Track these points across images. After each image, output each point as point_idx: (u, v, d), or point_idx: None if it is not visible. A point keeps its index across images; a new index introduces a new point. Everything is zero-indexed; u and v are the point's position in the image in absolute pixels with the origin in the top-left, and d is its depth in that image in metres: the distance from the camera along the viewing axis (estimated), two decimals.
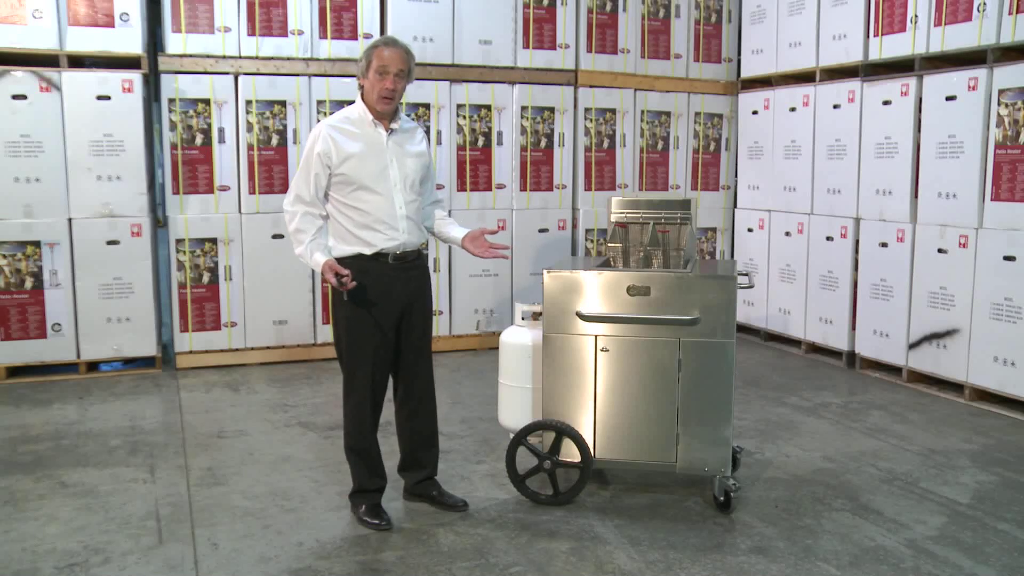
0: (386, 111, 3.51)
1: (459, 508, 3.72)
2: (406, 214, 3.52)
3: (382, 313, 3.50)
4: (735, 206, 7.63)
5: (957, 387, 5.53)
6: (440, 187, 6.60)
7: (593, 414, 3.80)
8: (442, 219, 3.82)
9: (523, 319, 4.15)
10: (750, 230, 7.34)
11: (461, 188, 6.70)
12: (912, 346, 5.80)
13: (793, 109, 6.82)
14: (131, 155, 5.88)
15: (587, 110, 7.00)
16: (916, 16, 5.73)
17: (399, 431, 3.76)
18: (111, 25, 5.79)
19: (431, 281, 3.74)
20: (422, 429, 3.73)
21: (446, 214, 3.86)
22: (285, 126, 6.19)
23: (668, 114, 7.33)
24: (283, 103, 6.17)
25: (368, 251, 3.46)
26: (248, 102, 6.10)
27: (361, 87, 3.53)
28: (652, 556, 3.32)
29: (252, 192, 6.17)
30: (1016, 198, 5.13)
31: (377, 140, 3.51)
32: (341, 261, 3.43)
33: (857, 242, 6.23)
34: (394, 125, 3.55)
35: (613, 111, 7.09)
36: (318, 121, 6.17)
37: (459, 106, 6.62)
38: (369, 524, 3.55)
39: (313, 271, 6.23)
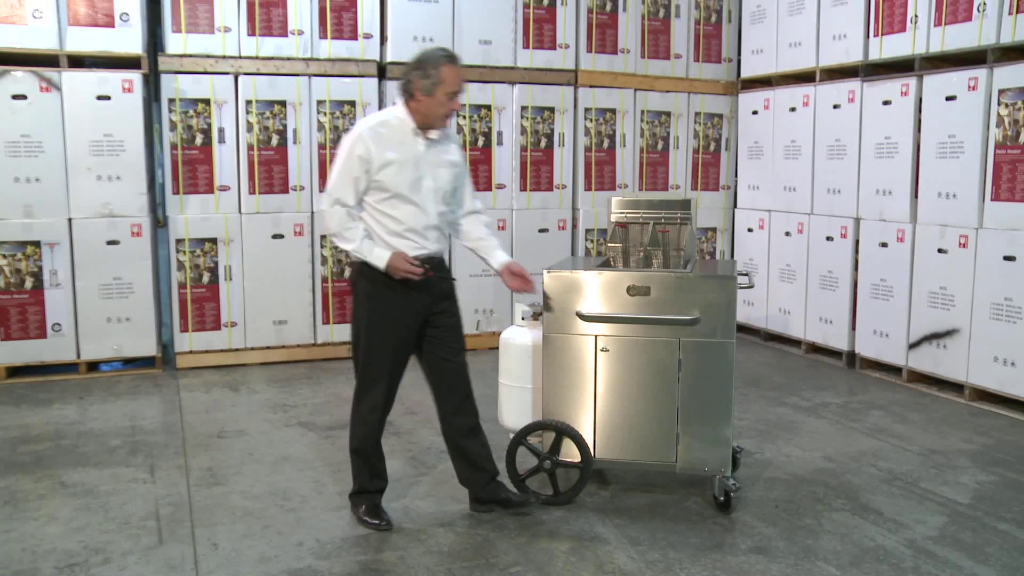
0: (444, 127, 3.50)
1: (528, 505, 3.68)
2: (437, 224, 3.50)
3: (405, 317, 3.47)
4: (735, 206, 7.63)
5: (957, 387, 5.53)
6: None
7: (593, 414, 3.80)
8: (482, 238, 3.66)
9: (523, 319, 4.15)
10: (750, 230, 7.33)
11: None
12: (912, 346, 5.80)
13: (793, 109, 6.82)
14: (131, 155, 5.88)
15: (587, 110, 7.00)
16: (916, 16, 5.73)
17: (449, 444, 3.67)
18: (111, 25, 5.79)
19: (454, 286, 3.64)
20: (464, 424, 3.64)
21: (487, 227, 3.69)
22: (285, 126, 6.19)
23: (668, 114, 7.33)
24: (283, 103, 6.17)
25: None
26: (248, 102, 6.10)
27: (413, 98, 3.40)
28: (652, 556, 3.33)
29: (252, 192, 6.16)
30: (1016, 198, 5.13)
31: (415, 150, 3.43)
32: (367, 263, 3.42)
33: (857, 242, 6.23)
34: (433, 135, 3.47)
35: (613, 111, 7.09)
36: (318, 121, 6.24)
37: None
38: (369, 524, 3.55)
39: (314, 269, 6.29)
